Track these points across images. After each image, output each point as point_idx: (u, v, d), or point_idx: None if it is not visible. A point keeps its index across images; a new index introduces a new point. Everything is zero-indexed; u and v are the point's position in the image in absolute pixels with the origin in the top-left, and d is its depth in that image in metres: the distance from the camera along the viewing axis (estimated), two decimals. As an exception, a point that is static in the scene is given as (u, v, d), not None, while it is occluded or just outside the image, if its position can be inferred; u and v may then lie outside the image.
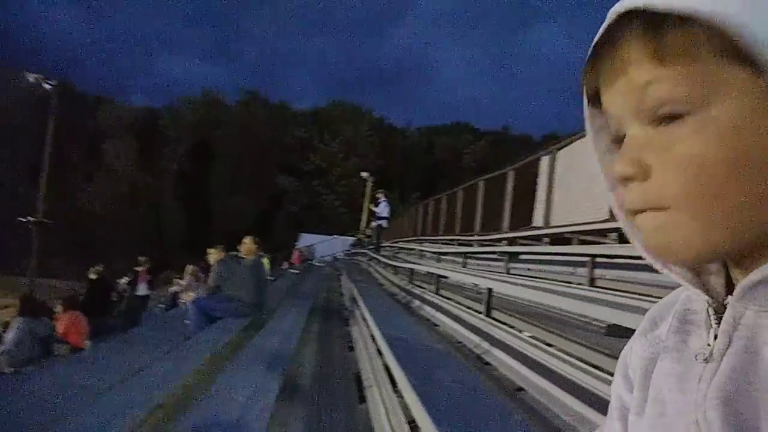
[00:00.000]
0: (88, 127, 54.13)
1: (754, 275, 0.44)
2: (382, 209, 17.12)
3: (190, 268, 13.39)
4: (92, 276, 10.74)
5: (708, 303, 0.49)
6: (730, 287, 0.49)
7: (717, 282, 0.50)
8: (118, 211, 51.13)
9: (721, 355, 0.45)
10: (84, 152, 53.47)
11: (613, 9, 0.48)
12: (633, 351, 0.59)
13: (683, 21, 0.42)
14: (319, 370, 5.02)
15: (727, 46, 0.41)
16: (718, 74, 0.42)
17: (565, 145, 8.04)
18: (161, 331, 7.82)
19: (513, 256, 6.81)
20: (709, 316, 0.48)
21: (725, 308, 0.47)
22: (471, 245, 10.28)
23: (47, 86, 36.38)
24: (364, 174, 32.34)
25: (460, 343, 4.60)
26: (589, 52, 0.50)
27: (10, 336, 7.45)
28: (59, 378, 5.02)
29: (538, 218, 8.61)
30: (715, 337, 0.46)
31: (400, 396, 3.33)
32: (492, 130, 69.57)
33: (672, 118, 0.44)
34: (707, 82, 0.43)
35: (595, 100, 0.52)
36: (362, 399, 4.14)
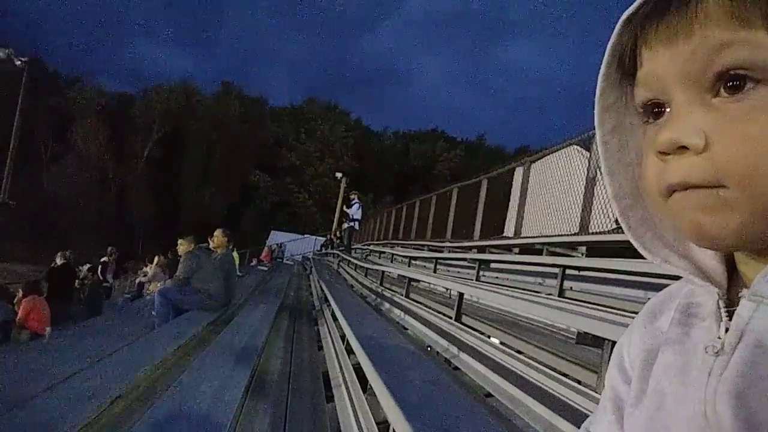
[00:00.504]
0: (57, 108, 52.77)
1: None
2: (355, 211, 17.12)
3: (156, 258, 13.20)
4: (58, 261, 10.48)
5: (718, 296, 0.48)
6: (730, 282, 0.49)
7: (719, 276, 0.49)
8: (85, 196, 49.91)
9: (733, 349, 0.44)
10: (52, 133, 52.12)
11: None
12: (632, 342, 0.58)
13: None
14: (287, 368, 4.99)
15: None
16: None
17: (540, 158, 8.17)
18: (125, 320, 7.69)
19: (484, 264, 6.88)
20: (719, 309, 0.47)
21: (734, 302, 0.46)
22: (442, 251, 10.35)
23: (18, 62, 35.30)
24: (339, 174, 32.31)
25: (429, 346, 4.63)
26: (633, 11, 0.47)
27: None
28: (18, 364, 4.90)
29: (509, 228, 8.72)
30: (726, 330, 0.45)
31: (369, 396, 3.34)
32: (467, 139, 70.19)
33: (738, 88, 0.41)
34: None
35: (623, 65, 0.50)
36: (330, 398, 4.14)
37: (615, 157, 0.53)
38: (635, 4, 0.47)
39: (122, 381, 3.90)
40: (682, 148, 0.43)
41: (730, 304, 0.47)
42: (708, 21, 0.42)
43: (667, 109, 0.46)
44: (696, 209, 0.43)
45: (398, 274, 8.33)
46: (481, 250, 8.37)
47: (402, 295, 6.81)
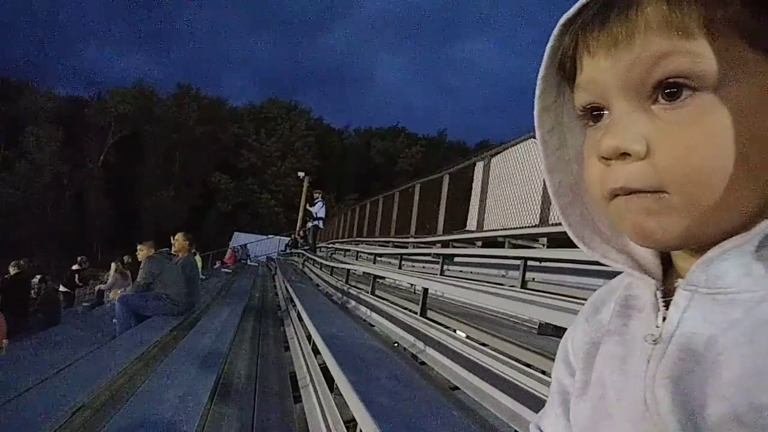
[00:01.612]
0: (8, 114, 50.96)
1: (712, 252, 0.44)
2: (318, 209, 17.04)
3: (114, 265, 12.88)
4: (12, 271, 10.12)
5: (656, 287, 0.49)
6: (666, 274, 0.50)
7: (656, 269, 0.51)
8: (39, 203, 48.41)
9: (670, 337, 0.45)
10: (3, 140, 50.38)
11: None
12: (575, 336, 0.60)
13: None
14: (254, 370, 4.95)
15: (749, 24, 0.41)
16: (740, 54, 0.42)
17: (499, 152, 8.28)
18: (85, 329, 7.48)
19: (447, 258, 6.94)
20: (657, 299, 0.49)
21: (671, 293, 0.48)
22: (407, 247, 10.40)
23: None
24: (301, 173, 32.10)
25: (396, 343, 4.65)
26: (572, 14, 0.48)
27: None
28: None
29: (472, 222, 8.82)
30: (664, 319, 0.47)
31: (336, 395, 3.34)
32: (428, 135, 70.60)
33: (675, 95, 0.43)
34: (727, 59, 0.41)
35: (563, 68, 0.50)
36: (297, 398, 4.12)
37: (554, 155, 0.54)
38: (574, 8, 0.47)
39: (83, 391, 3.80)
40: (625, 155, 0.44)
41: (667, 294, 0.48)
42: (648, 30, 0.43)
43: (606, 113, 0.47)
44: (638, 213, 0.45)
45: (363, 272, 8.34)
46: (445, 244, 8.44)
47: (367, 293, 6.82)
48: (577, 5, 0.47)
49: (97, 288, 13.59)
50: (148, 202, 52.21)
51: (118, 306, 6.96)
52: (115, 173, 52.58)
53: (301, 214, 26.76)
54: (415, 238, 10.79)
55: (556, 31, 0.49)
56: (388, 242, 12.29)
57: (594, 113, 0.48)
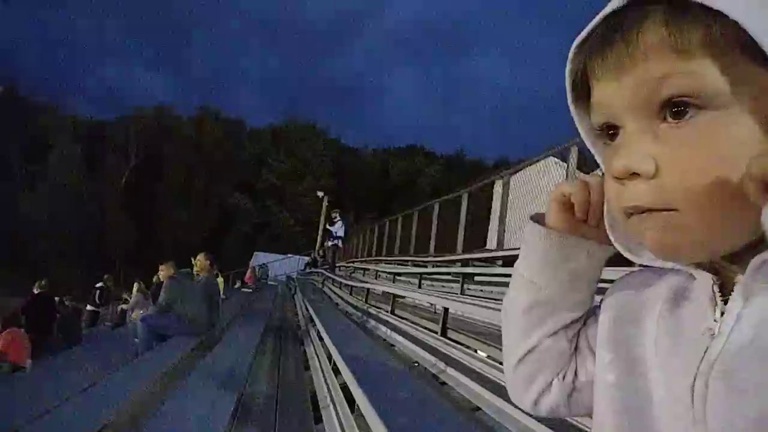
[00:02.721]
0: (32, 134, 52.19)
1: (766, 254, 0.44)
2: (338, 229, 17.09)
3: (136, 285, 13.02)
4: (36, 290, 10.27)
5: (713, 281, 0.49)
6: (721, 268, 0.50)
7: (706, 264, 0.51)
8: (62, 222, 49.20)
9: (730, 330, 0.46)
10: (28, 159, 51.49)
11: None
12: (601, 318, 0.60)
13: (706, 13, 0.42)
14: (274, 390, 4.95)
15: (750, 42, 0.41)
16: (743, 71, 0.42)
17: (519, 170, 8.26)
18: (107, 349, 7.56)
19: (468, 277, 6.90)
20: (714, 293, 0.49)
21: (727, 288, 0.48)
22: (426, 266, 10.37)
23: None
24: (320, 193, 32.27)
25: (416, 363, 4.62)
26: (584, 37, 0.49)
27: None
28: (0, 397, 4.79)
29: (492, 241, 8.77)
30: (722, 314, 0.47)
31: (357, 416, 3.32)
32: (446, 153, 70.67)
33: (681, 113, 0.43)
34: (731, 78, 0.42)
35: (579, 87, 0.52)
36: (318, 419, 4.10)
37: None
38: (584, 32, 0.49)
39: (106, 411, 3.83)
40: (635, 174, 0.45)
41: (723, 289, 0.49)
42: (649, 54, 0.44)
43: (620, 132, 0.48)
44: (655, 230, 0.46)
45: (383, 291, 8.32)
46: (465, 263, 8.40)
47: (387, 312, 6.81)
48: (587, 29, 0.48)
49: (119, 308, 13.72)
50: (169, 221, 52.82)
51: (140, 326, 7.03)
52: (137, 193, 53.35)
53: (320, 233, 26.87)
54: (434, 257, 10.76)
55: (570, 55, 0.50)
56: (408, 261, 12.27)
57: (610, 132, 0.49)
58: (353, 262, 19.18)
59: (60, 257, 44.45)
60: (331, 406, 3.98)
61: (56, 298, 11.59)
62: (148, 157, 54.93)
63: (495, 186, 9.05)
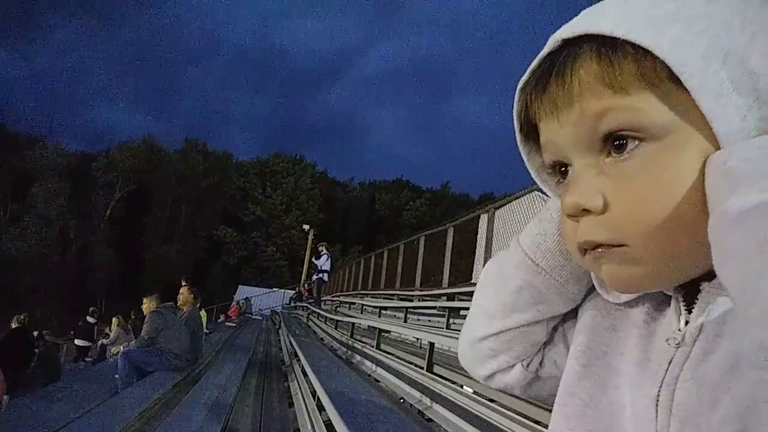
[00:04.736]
0: (17, 169, 51.82)
1: None
2: (324, 262, 17.00)
3: (116, 319, 12.80)
4: (14, 325, 10.06)
5: (676, 290, 0.49)
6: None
7: None
8: (46, 257, 48.50)
9: (693, 340, 0.45)
10: (12, 194, 51.01)
11: (556, 35, 0.47)
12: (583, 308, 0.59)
13: (636, 48, 0.42)
14: (258, 426, 4.86)
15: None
16: (679, 101, 0.42)
17: (503, 205, 8.33)
18: (87, 385, 7.37)
19: (454, 312, 6.89)
20: (678, 303, 0.48)
21: (692, 296, 0.47)
22: (412, 300, 10.33)
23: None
24: (306, 226, 32.20)
25: (402, 399, 4.57)
26: (525, 80, 0.49)
27: None
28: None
29: (477, 274, 8.79)
30: (687, 323, 0.47)
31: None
32: (432, 188, 71.16)
33: (624, 146, 0.44)
34: (668, 109, 0.42)
35: (527, 128, 0.52)
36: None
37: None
38: (526, 74, 0.49)
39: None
40: (586, 210, 0.45)
41: (687, 298, 0.48)
42: (584, 92, 0.44)
43: (570, 169, 0.49)
44: (609, 264, 0.46)
45: (368, 325, 8.27)
46: (451, 297, 8.38)
47: (373, 347, 6.74)
48: (528, 70, 0.49)
49: (99, 342, 13.47)
50: (154, 254, 52.25)
51: (120, 361, 6.88)
52: (122, 226, 52.86)
53: (305, 267, 26.72)
54: (420, 290, 10.73)
55: (515, 96, 0.51)
56: (394, 295, 12.22)
57: (562, 170, 0.50)
58: (339, 296, 19.06)
59: (41, 292, 43.68)
60: (315, 444, 3.91)
61: (35, 333, 11.36)
62: (134, 190, 54.63)
63: (480, 220, 9.10)
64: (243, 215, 58.91)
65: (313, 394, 4.95)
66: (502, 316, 0.60)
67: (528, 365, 0.62)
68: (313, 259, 18.48)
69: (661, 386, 0.46)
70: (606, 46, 0.43)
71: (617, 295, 0.53)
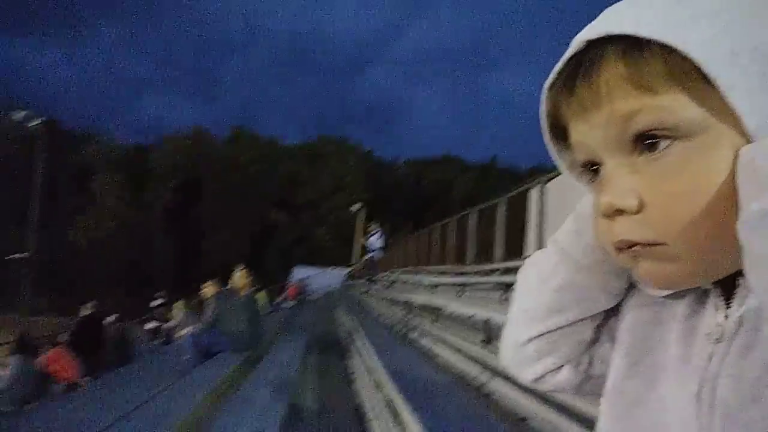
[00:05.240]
0: (75, 163, 54.19)
1: None
2: (376, 241, 17.14)
3: (180, 303, 13.36)
4: (85, 312, 10.64)
5: (714, 285, 0.48)
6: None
7: None
8: (107, 246, 50.77)
9: (733, 335, 0.45)
10: (72, 188, 53.39)
11: (579, 37, 0.47)
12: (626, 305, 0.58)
13: (663, 47, 0.42)
14: (319, 405, 5.01)
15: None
16: (709, 98, 0.42)
17: (554, 177, 8.18)
18: (158, 366, 7.76)
19: (508, 286, 6.87)
20: (716, 298, 0.48)
21: (730, 291, 0.47)
22: (465, 275, 10.33)
23: (34, 123, 36.48)
24: (356, 206, 32.40)
25: (460, 374, 4.63)
26: (551, 81, 0.49)
27: (7, 374, 7.38)
28: (60, 416, 4.97)
29: (529, 248, 8.69)
30: (726, 317, 0.47)
31: (402, 429, 3.35)
32: (479, 162, 70.27)
33: (656, 145, 0.43)
34: (698, 107, 0.42)
35: (556, 128, 0.52)
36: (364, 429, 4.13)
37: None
38: (552, 75, 0.49)
39: (160, 428, 3.95)
40: (620, 211, 0.45)
41: (726, 293, 0.48)
42: (611, 92, 0.44)
43: (603, 167, 0.48)
44: (646, 262, 0.46)
45: (423, 302, 8.34)
46: (505, 272, 8.35)
47: (429, 323, 6.82)
48: (553, 72, 0.48)
49: (166, 326, 14.09)
50: (210, 241, 53.92)
51: (188, 343, 7.22)
52: (177, 215, 54.68)
53: (358, 246, 26.99)
54: (473, 266, 10.71)
55: (542, 97, 0.51)
56: (447, 271, 12.24)
57: (593, 168, 0.49)
58: (392, 273, 19.21)
59: (107, 280, 45.83)
60: (377, 420, 4.02)
61: (114, 316, 11.99)
62: (187, 179, 56.30)
63: (531, 192, 8.98)
64: (293, 198, 59.88)
65: (373, 371, 5.06)
66: (545, 317, 0.59)
67: (577, 365, 0.60)
68: (364, 238, 18.67)
69: (702, 382, 0.46)
70: (631, 46, 0.43)
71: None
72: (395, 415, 3.59)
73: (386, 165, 70.13)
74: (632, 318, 0.56)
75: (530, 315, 0.60)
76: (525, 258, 0.69)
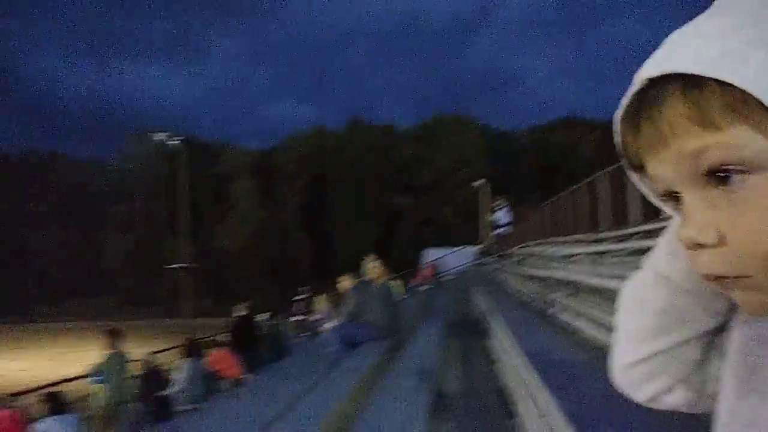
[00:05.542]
0: (212, 175, 59.02)
1: None
2: (503, 216, 16.89)
3: (324, 297, 14.13)
4: (240, 312, 11.56)
5: None
6: None
7: None
8: (249, 249, 54.83)
9: None
10: (212, 197, 58.19)
11: (640, 74, 0.46)
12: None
13: (720, 82, 0.41)
14: (463, 388, 5.10)
15: None
16: None
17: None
18: (310, 360, 8.29)
19: (647, 252, 6.51)
20: None
21: None
22: (600, 244, 9.92)
23: (174, 142, 39.92)
24: (478, 182, 32.10)
25: (602, 349, 4.51)
26: (621, 115, 0.48)
27: (182, 376, 8.29)
28: (232, 410, 5.48)
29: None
30: None
31: (546, 408, 3.35)
32: (602, 120, 66.30)
33: (729, 179, 0.43)
34: (765, 139, 0.41)
35: (634, 157, 0.50)
36: (510, 413, 4.18)
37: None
38: (621, 109, 0.48)
39: (319, 419, 4.27)
40: (701, 245, 0.45)
41: None
42: (676, 133, 0.43)
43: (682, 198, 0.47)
44: (734, 291, 0.46)
45: (558, 276, 8.14)
46: (644, 235, 7.92)
47: (566, 297, 6.67)
48: (621, 105, 0.48)
49: (311, 319, 14.97)
50: (340, 235, 56.26)
51: (333, 335, 7.67)
52: (308, 212, 57.68)
53: (484, 223, 26.75)
54: (608, 232, 10.24)
55: (615, 127, 0.50)
56: (581, 240, 11.81)
57: (674, 196, 0.48)
58: (522, 247, 18.85)
59: (253, 281, 49.56)
60: (522, 402, 4.05)
61: (268, 314, 12.97)
62: (313, 176, 59.11)
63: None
64: (415, 181, 60.49)
65: (512, 351, 5.07)
66: (650, 339, 0.58)
67: (689, 385, 0.59)
68: (491, 214, 18.46)
69: None
70: (690, 83, 0.42)
71: None
72: (537, 397, 3.60)
73: (506, 136, 68.49)
74: (739, 335, 0.54)
75: (635, 337, 0.60)
76: (663, 218, 0.68)
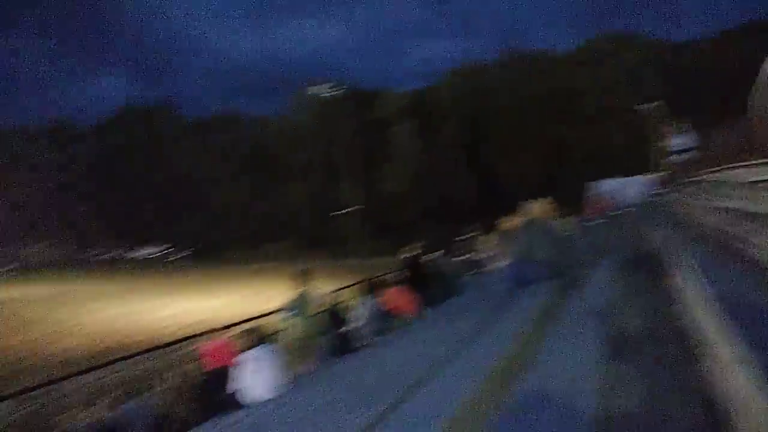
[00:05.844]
0: (373, 120, 60.90)
1: None
2: (683, 140, 15.53)
3: (488, 236, 14.25)
4: (413, 252, 12.11)
5: None
6: None
7: None
8: (413, 190, 56.24)
9: None
10: (375, 142, 60.19)
11: None
12: None
13: None
14: (641, 329, 5.00)
15: None
16: None
17: None
18: (482, 297, 8.54)
19: None
20: None
21: None
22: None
23: (336, 93, 41.33)
24: (647, 105, 29.40)
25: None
26: None
27: (361, 313, 9.02)
28: (407, 347, 5.90)
29: None
30: None
31: (735, 350, 3.20)
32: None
33: None
34: None
35: None
36: (696, 358, 4.04)
37: None
38: None
39: (491, 359, 4.48)
40: None
41: None
42: None
43: None
44: None
45: (747, 207, 7.40)
46: None
47: (756, 230, 6.08)
48: None
49: (478, 257, 15.21)
50: (503, 169, 55.25)
51: (503, 274, 7.82)
52: (468, 150, 57.29)
53: (658, 149, 24.67)
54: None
55: None
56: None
57: None
58: (707, 175, 17.17)
59: (417, 221, 51.05)
60: (708, 344, 3.88)
61: (431, 255, 13.45)
62: (470, 112, 58.28)
63: None
64: (578, 110, 57.00)
65: (695, 290, 4.82)
66: None
67: None
68: (668, 139, 17.05)
69: None
70: None
71: None
72: (723, 341, 3.44)
73: (679, 47, 61.34)
74: None
75: None
76: None
